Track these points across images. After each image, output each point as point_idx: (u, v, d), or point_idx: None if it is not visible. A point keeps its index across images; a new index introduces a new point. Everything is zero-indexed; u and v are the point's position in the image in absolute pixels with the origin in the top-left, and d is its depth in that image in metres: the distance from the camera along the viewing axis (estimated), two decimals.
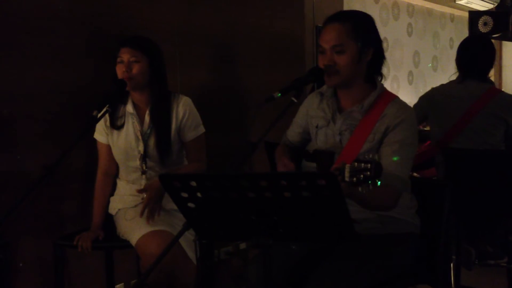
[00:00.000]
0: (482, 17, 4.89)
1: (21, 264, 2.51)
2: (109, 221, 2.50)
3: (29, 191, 1.91)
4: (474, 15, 4.98)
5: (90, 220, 2.50)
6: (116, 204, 2.50)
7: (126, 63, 2.35)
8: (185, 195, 1.45)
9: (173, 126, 2.44)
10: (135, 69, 2.35)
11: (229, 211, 1.47)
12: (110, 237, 2.45)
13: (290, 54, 3.95)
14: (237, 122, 3.55)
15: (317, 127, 2.07)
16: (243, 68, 3.61)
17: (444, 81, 3.38)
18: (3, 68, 2.43)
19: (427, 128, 3.81)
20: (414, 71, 6.38)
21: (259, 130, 1.78)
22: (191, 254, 2.28)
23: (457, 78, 3.20)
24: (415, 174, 3.52)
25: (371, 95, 1.95)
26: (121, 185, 2.53)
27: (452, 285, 2.77)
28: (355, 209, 1.65)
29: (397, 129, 1.88)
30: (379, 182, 1.50)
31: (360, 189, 1.52)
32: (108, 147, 2.50)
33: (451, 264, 2.67)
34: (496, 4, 5.72)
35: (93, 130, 2.49)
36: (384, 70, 2.03)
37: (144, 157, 2.42)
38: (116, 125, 2.45)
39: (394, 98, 1.97)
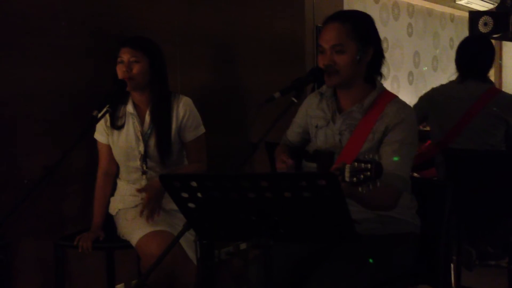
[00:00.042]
0: (482, 17, 4.89)
1: (21, 265, 2.51)
2: (109, 222, 2.50)
3: (30, 191, 1.91)
4: (474, 15, 4.98)
5: (90, 220, 2.50)
6: (116, 205, 2.50)
7: (127, 63, 2.35)
8: (185, 195, 1.45)
9: (174, 126, 2.44)
10: (136, 69, 2.35)
11: (230, 212, 1.47)
12: (111, 237, 2.44)
13: (290, 54, 3.94)
14: (238, 122, 3.55)
15: (316, 127, 2.07)
16: (243, 68, 3.61)
17: (444, 81, 3.38)
18: (3, 68, 2.43)
19: (427, 128, 3.81)
20: (414, 71, 6.38)
21: (260, 131, 1.78)
22: (191, 254, 2.28)
23: (457, 78, 3.20)
24: (415, 174, 3.52)
25: (371, 95, 1.95)
26: (121, 185, 2.53)
27: (453, 286, 2.77)
28: (355, 209, 1.65)
29: (397, 129, 1.88)
30: (379, 182, 1.50)
31: (360, 189, 1.52)
32: (109, 147, 2.49)
33: (452, 265, 2.66)
34: (496, 4, 5.72)
35: (93, 130, 2.49)
36: (384, 70, 2.03)
37: (145, 157, 2.42)
38: (116, 125, 2.45)
39: (393, 97, 1.97)
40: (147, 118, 2.43)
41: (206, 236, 1.67)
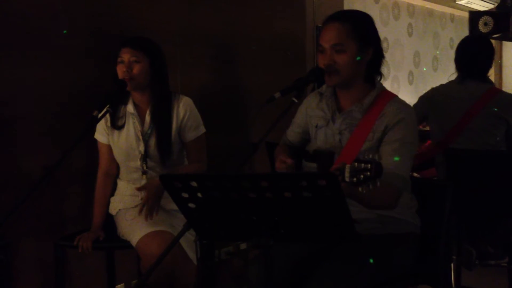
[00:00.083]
0: (483, 17, 4.89)
1: (21, 265, 2.51)
2: (109, 222, 2.50)
3: (30, 191, 1.91)
4: (475, 15, 4.97)
5: (90, 220, 2.50)
6: (116, 205, 2.50)
7: (127, 63, 2.35)
8: (185, 195, 1.45)
9: (174, 126, 2.44)
10: (136, 69, 2.35)
11: (230, 212, 1.47)
12: (111, 237, 2.44)
13: (290, 54, 3.94)
14: (238, 122, 3.55)
15: (316, 127, 2.07)
16: (243, 68, 3.61)
17: (444, 81, 3.38)
18: (3, 68, 2.43)
19: (427, 128, 3.81)
20: (414, 71, 6.38)
21: (260, 131, 1.78)
22: (191, 254, 2.28)
23: (457, 78, 3.20)
24: (415, 174, 3.52)
25: (370, 94, 1.95)
26: (121, 185, 2.53)
27: (453, 286, 2.77)
28: (355, 209, 1.65)
29: (396, 128, 1.88)
30: (379, 182, 1.50)
31: (360, 189, 1.52)
32: (109, 147, 2.49)
33: (452, 265, 2.66)
34: (496, 4, 5.72)
35: (93, 130, 2.49)
36: (384, 70, 2.03)
37: (145, 157, 2.42)
38: (116, 125, 2.45)
39: (393, 97, 1.97)
40: (148, 118, 2.43)
41: (206, 236, 1.66)
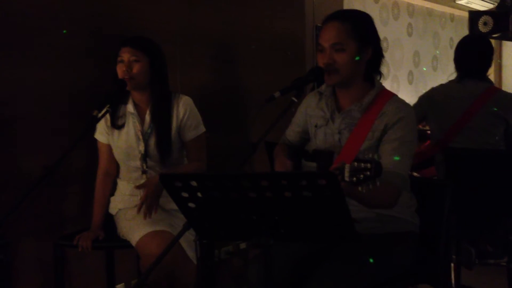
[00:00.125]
0: (482, 17, 4.89)
1: (21, 264, 2.51)
2: (109, 221, 2.50)
3: (30, 191, 1.91)
4: (474, 15, 4.97)
5: (90, 220, 2.50)
6: (116, 204, 2.51)
7: (127, 63, 2.35)
8: (185, 195, 1.45)
9: (174, 125, 2.44)
10: (136, 68, 2.35)
11: (230, 211, 1.47)
12: (110, 237, 2.45)
13: (290, 54, 3.94)
14: (238, 122, 3.55)
15: (316, 126, 2.07)
16: (243, 68, 3.61)
17: (444, 81, 3.38)
18: (3, 68, 2.43)
19: (427, 128, 3.81)
20: (414, 71, 6.38)
21: (260, 130, 1.78)
22: (191, 254, 2.28)
23: (456, 77, 3.21)
24: (415, 173, 3.52)
25: (370, 94, 1.95)
26: (121, 185, 2.53)
27: (453, 285, 2.77)
28: (354, 209, 1.65)
29: (396, 127, 1.88)
30: (378, 182, 1.50)
31: (360, 188, 1.52)
32: (109, 147, 2.50)
33: (452, 264, 2.67)
34: (496, 4, 5.72)
35: (93, 130, 2.49)
36: (384, 70, 2.03)
37: (145, 156, 2.42)
38: (116, 124, 2.45)
39: (392, 96, 1.97)
40: (147, 117, 2.44)
41: (206, 236, 1.67)
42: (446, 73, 6.50)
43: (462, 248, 2.90)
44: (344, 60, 1.88)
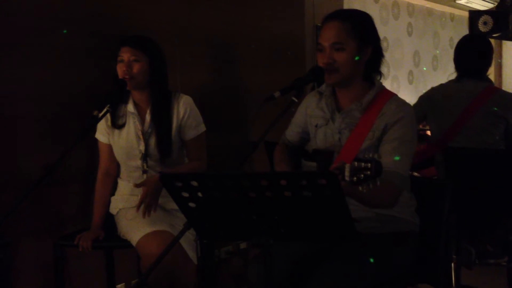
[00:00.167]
0: (482, 17, 4.89)
1: (21, 264, 2.51)
2: (109, 221, 2.50)
3: (30, 191, 1.91)
4: (474, 14, 4.98)
5: (90, 220, 2.50)
6: (117, 204, 2.51)
7: (127, 62, 2.35)
8: (186, 194, 1.45)
9: (174, 125, 2.44)
10: (136, 68, 2.35)
11: (230, 211, 1.47)
12: (111, 237, 2.45)
13: (290, 54, 3.94)
14: (238, 122, 3.55)
15: (316, 126, 2.07)
16: (243, 68, 3.61)
17: (444, 80, 3.38)
18: (3, 68, 2.43)
19: (427, 128, 3.81)
20: (414, 71, 6.38)
21: (260, 130, 1.78)
22: (191, 254, 2.28)
23: (455, 77, 3.21)
24: (415, 173, 3.52)
25: (370, 93, 1.95)
26: (122, 184, 2.53)
27: (453, 285, 2.77)
28: (354, 208, 1.65)
29: (396, 126, 1.88)
30: (379, 181, 1.50)
31: (360, 188, 1.52)
32: (110, 147, 2.50)
33: (452, 264, 2.67)
34: (496, 3, 5.72)
35: (93, 130, 2.49)
36: (384, 70, 2.03)
37: (145, 156, 2.42)
38: (117, 124, 2.45)
39: (392, 95, 1.98)
40: (148, 117, 2.44)
41: (207, 236, 1.67)
42: (446, 73, 6.49)
43: (462, 248, 2.90)
44: (344, 60, 1.88)
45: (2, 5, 2.42)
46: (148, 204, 2.29)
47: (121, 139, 2.45)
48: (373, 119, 1.91)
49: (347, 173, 1.51)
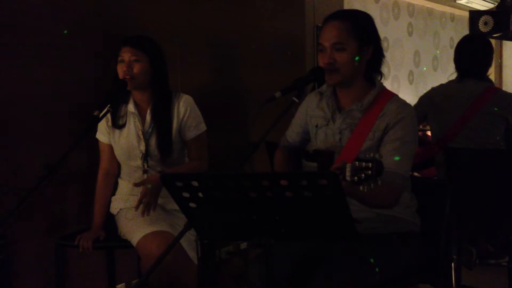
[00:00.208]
0: (483, 17, 4.90)
1: (21, 264, 2.51)
2: (110, 221, 2.50)
3: (30, 191, 1.91)
4: (475, 14, 4.98)
5: (91, 220, 2.49)
6: (117, 204, 2.50)
7: (127, 62, 2.35)
8: (186, 195, 1.45)
9: (175, 125, 2.44)
10: (136, 68, 2.35)
11: (231, 211, 1.47)
12: (111, 237, 2.44)
13: (290, 54, 3.94)
14: (238, 122, 3.55)
15: (316, 126, 2.07)
16: (243, 68, 3.61)
17: (444, 81, 3.38)
18: (3, 68, 2.43)
19: (427, 128, 3.81)
20: (415, 71, 6.38)
21: (260, 130, 1.78)
22: (192, 254, 2.28)
23: (456, 77, 3.21)
24: (415, 173, 3.52)
25: (370, 94, 1.95)
26: (122, 184, 2.53)
27: (453, 285, 2.77)
28: (355, 208, 1.65)
29: (397, 127, 1.88)
30: (379, 181, 1.50)
31: (361, 188, 1.52)
32: (110, 147, 2.49)
33: (452, 264, 2.66)
34: (496, 3, 5.72)
35: (94, 130, 2.49)
36: (385, 70, 2.03)
37: (146, 156, 2.42)
38: (117, 124, 2.45)
39: (393, 96, 1.98)
40: (148, 117, 2.44)
41: (207, 236, 1.67)
42: (446, 73, 6.50)
43: (463, 248, 2.90)
44: (344, 60, 1.88)
45: (2, 5, 2.41)
46: (147, 203, 2.29)
47: (122, 139, 2.45)
48: (373, 120, 1.91)
49: (348, 173, 1.51)
